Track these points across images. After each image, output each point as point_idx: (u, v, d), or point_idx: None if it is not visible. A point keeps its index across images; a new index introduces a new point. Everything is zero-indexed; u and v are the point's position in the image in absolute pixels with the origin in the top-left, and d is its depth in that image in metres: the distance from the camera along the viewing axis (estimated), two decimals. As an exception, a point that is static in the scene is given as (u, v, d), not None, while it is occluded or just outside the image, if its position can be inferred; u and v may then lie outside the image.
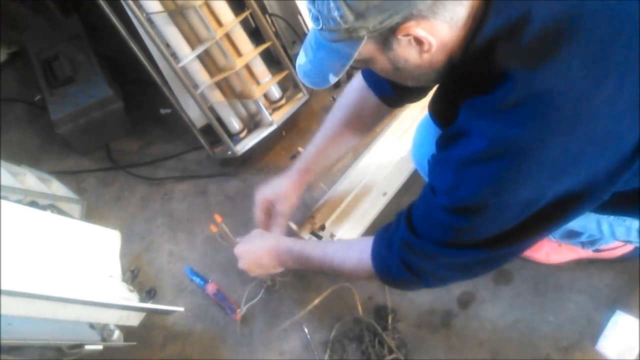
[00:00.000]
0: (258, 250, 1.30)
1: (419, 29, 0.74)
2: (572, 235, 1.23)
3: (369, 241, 1.07)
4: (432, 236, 0.91)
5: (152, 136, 2.01)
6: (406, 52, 0.80)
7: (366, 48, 0.80)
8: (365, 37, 0.78)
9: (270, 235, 1.36)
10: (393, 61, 0.83)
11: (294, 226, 1.51)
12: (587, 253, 1.36)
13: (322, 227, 1.50)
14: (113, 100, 1.94)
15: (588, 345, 1.29)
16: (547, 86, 0.72)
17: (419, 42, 0.77)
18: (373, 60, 0.85)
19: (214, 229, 1.46)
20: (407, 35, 0.75)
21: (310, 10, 0.80)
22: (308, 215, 1.55)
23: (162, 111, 1.97)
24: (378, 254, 1.04)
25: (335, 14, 0.75)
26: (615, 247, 1.33)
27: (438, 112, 0.99)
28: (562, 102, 0.71)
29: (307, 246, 1.24)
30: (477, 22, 0.75)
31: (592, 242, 1.29)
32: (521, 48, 0.73)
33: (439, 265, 0.93)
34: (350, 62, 0.82)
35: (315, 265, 1.19)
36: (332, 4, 0.74)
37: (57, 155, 1.99)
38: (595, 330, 1.30)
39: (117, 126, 2.00)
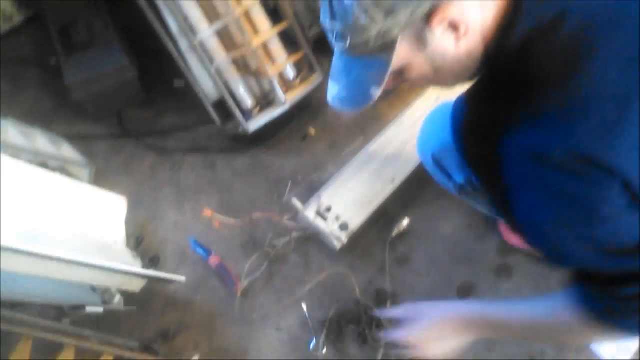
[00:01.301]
0: (433, 324, 1.02)
1: (451, 10, 0.72)
2: None
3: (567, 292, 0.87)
4: None
5: (164, 107, 2.01)
6: (443, 44, 0.77)
7: (401, 51, 0.77)
8: (399, 37, 0.75)
9: (438, 304, 1.05)
10: (431, 60, 0.79)
11: (299, 204, 1.51)
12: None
13: (329, 209, 1.50)
14: (128, 69, 1.94)
15: (583, 344, 1.29)
16: (586, 92, 0.69)
17: (454, 27, 0.74)
18: (410, 66, 0.80)
19: (208, 213, 1.47)
20: (441, 21, 0.73)
21: (331, 32, 0.78)
22: (315, 195, 1.56)
23: (177, 83, 1.97)
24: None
25: (363, 19, 0.72)
26: None
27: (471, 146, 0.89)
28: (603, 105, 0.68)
29: (489, 308, 0.99)
30: (509, 18, 0.73)
31: None
32: (557, 48, 0.71)
33: None
34: (390, 68, 0.78)
35: (504, 328, 0.97)
36: (357, 10, 0.72)
37: (70, 120, 2.00)
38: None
39: (130, 95, 2.00)
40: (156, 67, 2.04)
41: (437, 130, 1.11)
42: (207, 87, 1.79)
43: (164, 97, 2.02)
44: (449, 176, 1.08)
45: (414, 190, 1.61)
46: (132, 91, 1.99)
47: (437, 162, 1.10)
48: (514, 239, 1.45)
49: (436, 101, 1.70)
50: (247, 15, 1.69)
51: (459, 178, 1.06)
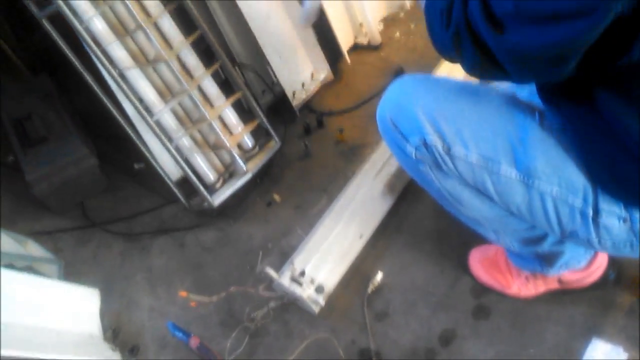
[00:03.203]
0: None
1: None
2: (530, 242, 1.23)
3: None
4: None
5: (127, 191, 2.01)
6: None
7: None
8: None
9: None
10: None
11: (272, 273, 1.52)
12: (554, 284, 1.40)
13: (302, 273, 1.51)
14: (87, 158, 1.95)
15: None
16: None
17: None
18: None
19: (183, 294, 1.48)
20: None
21: None
22: (287, 261, 1.57)
23: (137, 166, 1.98)
24: None
25: None
26: (582, 278, 1.37)
27: None
28: None
29: None
30: None
31: (549, 261, 1.29)
32: None
33: None
34: None
35: None
36: None
37: (32, 216, 1.98)
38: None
39: (92, 183, 2.00)
40: (115, 152, 2.06)
41: (396, 95, 1.11)
42: (167, 166, 1.82)
43: (126, 182, 2.03)
44: (405, 139, 1.08)
45: (383, 243, 1.64)
46: (93, 180, 1.99)
47: (394, 125, 1.09)
48: (484, 277, 1.48)
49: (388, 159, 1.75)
50: (200, 89, 1.74)
51: (414, 140, 1.06)
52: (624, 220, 0.96)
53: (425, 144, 1.05)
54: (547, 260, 1.30)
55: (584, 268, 1.35)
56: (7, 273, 1.38)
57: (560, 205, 1.00)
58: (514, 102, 1.04)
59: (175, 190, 1.82)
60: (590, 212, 0.97)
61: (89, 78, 1.63)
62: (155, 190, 1.94)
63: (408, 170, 1.21)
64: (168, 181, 1.81)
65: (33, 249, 1.73)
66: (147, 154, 1.77)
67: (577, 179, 0.96)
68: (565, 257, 1.28)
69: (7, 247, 1.63)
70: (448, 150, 1.04)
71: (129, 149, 1.79)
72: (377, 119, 1.15)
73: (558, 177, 0.97)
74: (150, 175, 1.85)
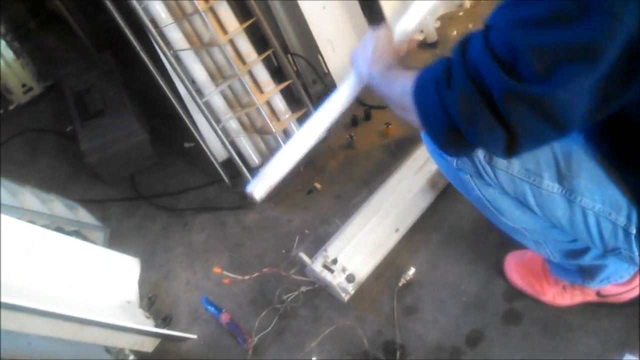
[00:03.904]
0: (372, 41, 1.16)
1: None
2: (571, 254, 1.21)
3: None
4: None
5: (175, 168, 2.08)
6: None
7: None
8: None
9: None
10: None
11: (306, 258, 1.54)
12: (592, 296, 1.37)
13: (335, 261, 1.53)
14: (140, 133, 2.02)
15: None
16: None
17: None
18: None
19: (217, 271, 1.52)
20: None
21: None
22: (321, 248, 1.59)
23: (187, 145, 2.05)
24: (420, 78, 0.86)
25: None
26: (621, 292, 1.33)
27: None
28: None
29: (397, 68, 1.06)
30: None
31: (591, 274, 1.27)
32: None
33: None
34: None
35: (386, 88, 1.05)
36: None
37: (85, 185, 2.08)
38: (603, 373, 1.30)
39: (142, 158, 2.08)
40: (167, 130, 2.14)
41: None
42: (215, 147, 1.87)
43: (175, 159, 2.10)
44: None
45: (418, 238, 1.64)
46: (144, 154, 2.07)
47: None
48: (519, 281, 1.46)
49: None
50: (252, 74, 1.78)
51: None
52: None
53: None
54: (589, 273, 1.28)
55: (626, 282, 1.32)
56: (55, 235, 1.46)
57: (602, 221, 0.99)
58: None
59: (220, 171, 1.87)
60: (634, 231, 0.96)
61: (145, 57, 1.69)
62: (202, 169, 2.00)
63: (449, 177, 1.21)
64: (214, 161, 1.87)
65: (82, 215, 1.82)
66: (196, 134, 1.83)
67: (621, 197, 0.96)
68: (608, 271, 1.26)
69: (58, 212, 1.72)
70: (490, 160, 1.03)
71: (180, 128, 1.85)
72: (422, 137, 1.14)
73: (601, 195, 0.97)
74: (198, 155, 1.90)
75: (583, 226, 1.02)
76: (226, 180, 1.88)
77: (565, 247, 1.20)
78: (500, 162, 1.02)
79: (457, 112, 0.78)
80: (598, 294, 1.35)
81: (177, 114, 1.80)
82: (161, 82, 1.74)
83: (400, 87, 0.94)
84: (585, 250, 1.18)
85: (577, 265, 1.25)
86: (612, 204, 0.96)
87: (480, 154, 1.03)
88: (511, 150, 0.78)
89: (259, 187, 1.31)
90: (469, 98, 0.76)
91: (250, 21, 1.71)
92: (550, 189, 1.00)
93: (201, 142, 1.85)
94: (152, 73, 1.71)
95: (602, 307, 1.39)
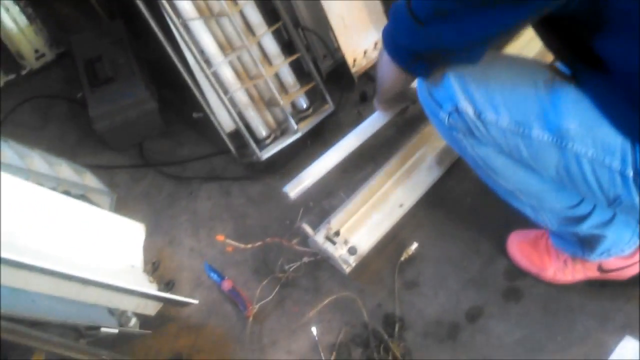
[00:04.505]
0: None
1: None
2: (569, 221, 1.21)
3: None
4: None
5: (183, 138, 2.09)
6: None
7: None
8: None
9: None
10: None
11: (308, 229, 1.55)
12: (594, 272, 1.36)
13: (337, 233, 1.54)
14: (148, 102, 2.03)
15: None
16: None
17: None
18: None
19: (220, 238, 1.53)
20: None
21: None
22: (324, 221, 1.60)
23: (195, 115, 2.04)
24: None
25: None
26: (623, 267, 1.32)
27: None
28: None
29: None
30: None
31: (591, 245, 1.27)
32: None
33: None
34: None
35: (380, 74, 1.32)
36: None
37: (93, 150, 2.08)
38: (602, 354, 1.30)
39: (151, 126, 2.08)
40: (176, 100, 2.13)
41: None
42: (222, 117, 1.87)
43: (183, 129, 2.10)
44: (439, 106, 1.10)
45: (423, 214, 1.64)
46: (152, 123, 2.07)
47: (430, 93, 1.12)
48: (521, 260, 1.46)
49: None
50: (261, 46, 1.77)
51: (447, 107, 1.09)
52: None
53: (457, 110, 1.06)
54: (588, 244, 1.28)
55: (628, 256, 1.31)
56: (62, 197, 1.47)
57: (598, 168, 0.98)
58: (545, 65, 1.04)
59: (227, 141, 1.88)
60: (631, 173, 0.95)
61: (155, 26, 1.68)
62: (210, 139, 2.00)
63: (445, 138, 1.21)
64: (221, 132, 1.87)
65: (89, 180, 1.82)
66: (204, 105, 1.83)
67: (614, 139, 0.94)
68: (607, 243, 1.25)
69: (66, 175, 1.73)
70: (479, 116, 1.04)
71: (189, 98, 1.85)
72: (417, 88, 1.18)
73: (592, 139, 0.95)
74: (206, 125, 1.90)
75: (580, 176, 1.01)
76: (233, 151, 1.88)
77: (562, 214, 1.20)
78: (490, 116, 1.03)
79: (404, 35, 0.99)
80: (600, 268, 1.35)
81: (186, 84, 1.79)
82: (170, 52, 1.73)
83: (379, 61, 1.23)
84: (582, 218, 1.18)
85: (575, 234, 1.25)
86: (604, 147, 0.95)
87: (470, 110, 1.04)
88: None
89: (295, 189, 1.54)
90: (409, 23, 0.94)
91: (262, -8, 1.69)
92: (541, 138, 1.00)
93: (209, 112, 1.85)
94: (161, 42, 1.70)
95: (603, 288, 1.39)
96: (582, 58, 0.95)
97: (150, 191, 1.93)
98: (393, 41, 1.04)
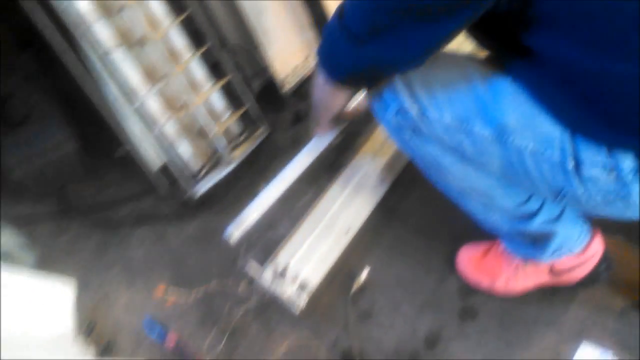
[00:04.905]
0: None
1: None
2: (520, 218, 1.21)
3: None
4: None
5: (108, 178, 1.95)
6: None
7: None
8: None
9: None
10: None
11: (255, 268, 1.48)
12: (545, 275, 1.36)
13: (285, 270, 1.47)
14: (68, 142, 1.88)
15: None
16: None
17: None
18: None
19: (160, 291, 1.43)
20: None
21: None
22: (270, 256, 1.52)
23: (118, 152, 1.91)
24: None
25: None
26: (575, 266, 1.32)
27: None
28: None
29: None
30: None
31: (542, 243, 1.26)
32: None
33: None
34: None
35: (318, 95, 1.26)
36: None
37: (10, 202, 1.91)
38: (563, 364, 1.30)
39: (71, 169, 1.93)
40: (97, 137, 1.98)
41: None
42: (150, 153, 1.75)
43: (106, 168, 1.97)
44: (387, 106, 1.10)
45: (369, 238, 1.60)
46: (73, 165, 1.92)
47: (379, 95, 1.12)
48: (472, 274, 1.45)
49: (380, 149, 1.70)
50: (188, 74, 1.67)
51: (393, 106, 1.09)
52: (610, 171, 0.93)
53: (403, 110, 1.06)
54: (540, 243, 1.27)
55: (577, 254, 1.31)
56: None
57: (540, 161, 0.98)
58: (485, 61, 1.06)
59: (157, 179, 1.76)
60: (571, 164, 0.95)
61: (70, 58, 1.55)
62: (137, 177, 1.86)
63: (393, 138, 1.20)
64: (150, 169, 1.75)
65: (8, 236, 1.68)
66: (129, 140, 1.71)
67: (552, 130, 0.95)
68: (558, 240, 1.25)
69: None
70: (423, 114, 1.05)
71: (111, 134, 1.72)
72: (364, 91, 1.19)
73: (532, 132, 0.96)
74: (131, 163, 1.77)
75: (523, 170, 1.01)
76: (163, 188, 1.77)
77: (512, 212, 1.19)
78: (433, 114, 1.04)
79: (340, 51, 0.99)
80: (552, 270, 1.35)
81: (108, 120, 1.67)
82: (88, 85, 1.60)
83: (314, 80, 1.18)
84: (532, 215, 1.18)
85: (527, 234, 1.24)
86: (543, 139, 0.96)
87: (414, 109, 1.05)
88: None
89: (239, 230, 1.44)
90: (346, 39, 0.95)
91: (186, 14, 1.59)
92: (483, 133, 1.01)
93: (134, 148, 1.73)
94: (78, 74, 1.57)
95: (554, 295, 1.39)
96: (515, 52, 0.97)
97: (78, 241, 1.79)
98: (330, 61, 1.05)
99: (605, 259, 1.33)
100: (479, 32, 1.04)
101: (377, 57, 0.96)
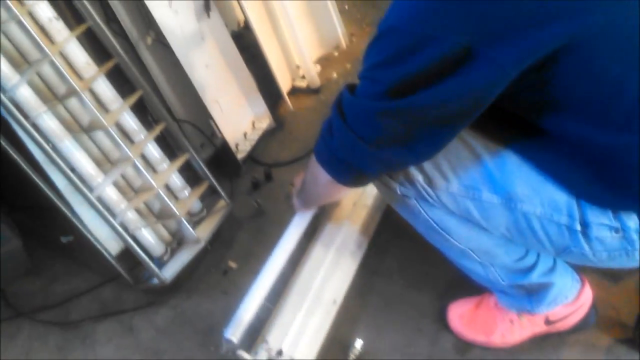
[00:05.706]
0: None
1: None
2: (519, 272, 1.23)
3: None
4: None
5: (56, 271, 1.77)
6: None
7: None
8: None
9: None
10: None
11: (246, 356, 1.37)
12: (540, 326, 1.38)
13: (280, 353, 1.38)
14: (11, 239, 1.67)
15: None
16: None
17: None
18: None
19: None
20: None
21: None
22: (259, 339, 1.42)
23: (64, 239, 1.75)
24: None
25: None
26: (569, 314, 1.35)
27: None
28: None
29: None
30: None
31: (538, 295, 1.29)
32: None
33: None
34: None
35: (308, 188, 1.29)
36: None
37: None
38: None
39: (14, 266, 1.72)
40: (37, 225, 1.81)
41: None
42: (105, 239, 1.62)
43: (53, 259, 1.78)
44: (389, 176, 1.13)
45: (355, 305, 1.55)
46: (16, 263, 1.72)
47: None
48: (466, 331, 1.44)
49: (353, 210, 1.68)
50: (144, 157, 1.58)
51: (397, 176, 1.11)
52: (616, 231, 0.98)
53: (408, 180, 1.08)
54: (536, 295, 1.29)
55: (571, 302, 1.34)
56: None
57: (547, 224, 1.02)
58: (485, 135, 1.08)
59: (117, 266, 1.62)
60: (579, 227, 0.99)
61: (11, 148, 1.40)
62: (91, 267, 1.71)
63: (394, 206, 1.22)
64: (107, 256, 1.61)
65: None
66: (80, 226, 1.56)
67: (559, 196, 0.99)
68: (555, 290, 1.28)
69: None
70: (429, 183, 1.07)
71: (53, 220, 1.57)
72: None
73: (539, 198, 1.00)
74: (82, 250, 1.63)
75: (529, 232, 1.04)
76: (126, 276, 1.63)
77: (512, 266, 1.21)
78: (439, 183, 1.06)
79: (347, 154, 0.99)
80: (547, 320, 1.37)
81: (50, 205, 1.51)
82: (30, 172, 1.45)
83: (309, 172, 1.19)
84: (530, 268, 1.21)
85: (524, 287, 1.27)
86: (551, 204, 1.00)
87: (419, 177, 1.08)
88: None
89: (238, 332, 1.34)
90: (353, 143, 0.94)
91: (137, 95, 1.51)
92: (491, 200, 1.03)
93: (87, 235, 1.57)
94: (17, 163, 1.42)
95: (545, 341, 1.41)
96: (518, 129, 0.99)
97: (32, 347, 1.59)
98: (335, 157, 1.03)
99: (594, 304, 1.38)
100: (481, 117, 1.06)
101: (386, 160, 0.99)
